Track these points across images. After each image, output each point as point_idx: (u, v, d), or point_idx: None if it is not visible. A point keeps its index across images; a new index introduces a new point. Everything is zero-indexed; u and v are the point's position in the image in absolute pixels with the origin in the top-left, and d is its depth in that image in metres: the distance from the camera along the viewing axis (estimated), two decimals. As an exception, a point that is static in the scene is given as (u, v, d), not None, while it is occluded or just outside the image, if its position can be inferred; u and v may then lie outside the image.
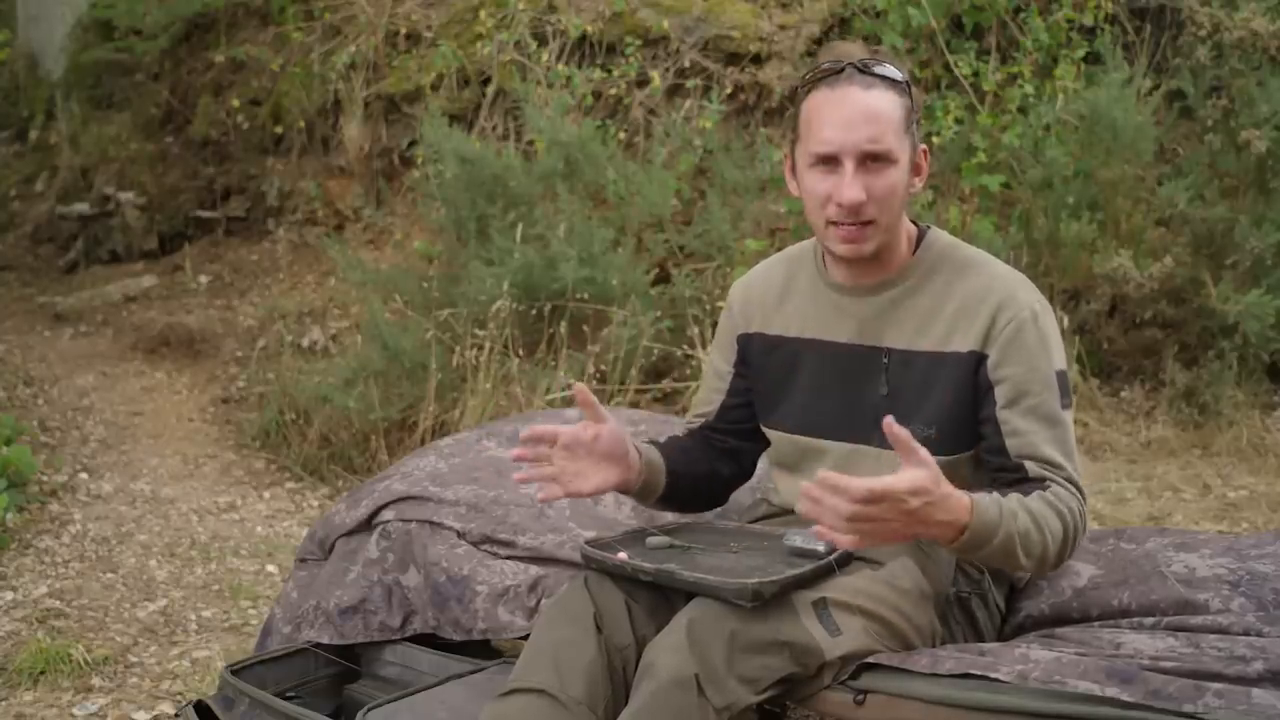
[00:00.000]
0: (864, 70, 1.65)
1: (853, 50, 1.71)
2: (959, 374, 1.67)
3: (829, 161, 1.65)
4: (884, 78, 1.65)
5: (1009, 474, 1.63)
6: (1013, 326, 1.64)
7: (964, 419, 1.67)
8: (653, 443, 1.85)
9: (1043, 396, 1.63)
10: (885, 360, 1.72)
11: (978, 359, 1.66)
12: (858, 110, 1.63)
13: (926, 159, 1.72)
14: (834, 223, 1.66)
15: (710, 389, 1.92)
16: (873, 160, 1.63)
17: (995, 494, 1.53)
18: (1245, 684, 1.43)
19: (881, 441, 1.69)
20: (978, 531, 1.47)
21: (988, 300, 1.67)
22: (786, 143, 1.78)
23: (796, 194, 1.73)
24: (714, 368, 1.92)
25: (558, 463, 1.67)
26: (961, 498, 1.46)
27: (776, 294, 1.83)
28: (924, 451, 1.41)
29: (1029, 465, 1.61)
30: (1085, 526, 1.61)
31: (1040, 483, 1.59)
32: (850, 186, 1.62)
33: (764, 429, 1.86)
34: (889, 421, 1.40)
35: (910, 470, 1.40)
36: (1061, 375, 1.66)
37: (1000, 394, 1.64)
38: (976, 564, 1.76)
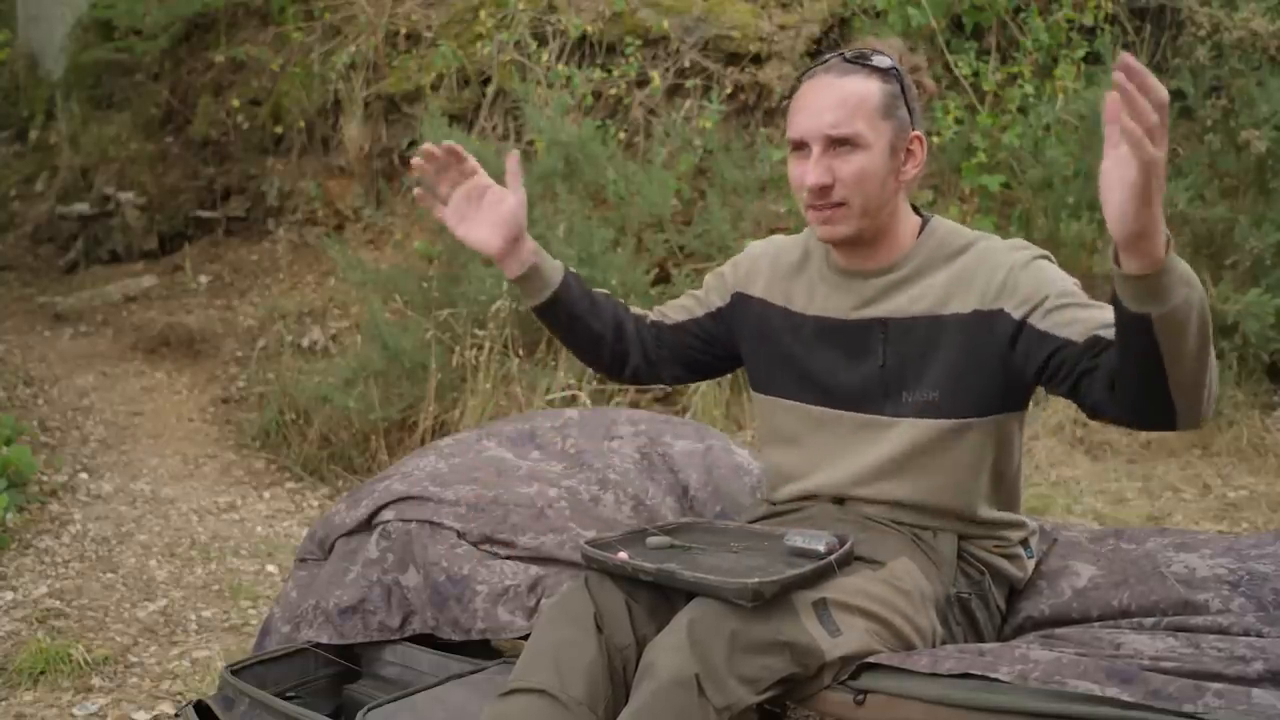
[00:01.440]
0: (848, 60, 1.68)
1: (894, 44, 1.74)
2: (961, 335, 1.67)
3: (800, 147, 1.69)
4: (867, 65, 1.67)
5: (1096, 348, 1.51)
6: (1017, 269, 1.65)
7: (969, 382, 1.68)
8: (572, 273, 1.88)
9: (1073, 295, 1.59)
10: (884, 331, 1.73)
11: (988, 317, 1.65)
12: (825, 96, 1.67)
13: (922, 145, 1.71)
14: (810, 206, 1.70)
15: (683, 305, 1.96)
16: (839, 144, 1.66)
17: None
18: (1245, 684, 1.42)
19: (894, 410, 1.72)
20: (1178, 264, 1.31)
21: (985, 263, 1.68)
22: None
23: None
24: (698, 295, 1.95)
25: (455, 197, 1.77)
26: None
27: (788, 267, 1.86)
28: None
29: (1103, 333, 1.51)
30: None
31: None
32: (813, 170, 1.67)
33: (764, 400, 1.86)
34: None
35: None
36: (1078, 289, 1.62)
37: (1036, 316, 1.61)
38: (979, 565, 1.76)
